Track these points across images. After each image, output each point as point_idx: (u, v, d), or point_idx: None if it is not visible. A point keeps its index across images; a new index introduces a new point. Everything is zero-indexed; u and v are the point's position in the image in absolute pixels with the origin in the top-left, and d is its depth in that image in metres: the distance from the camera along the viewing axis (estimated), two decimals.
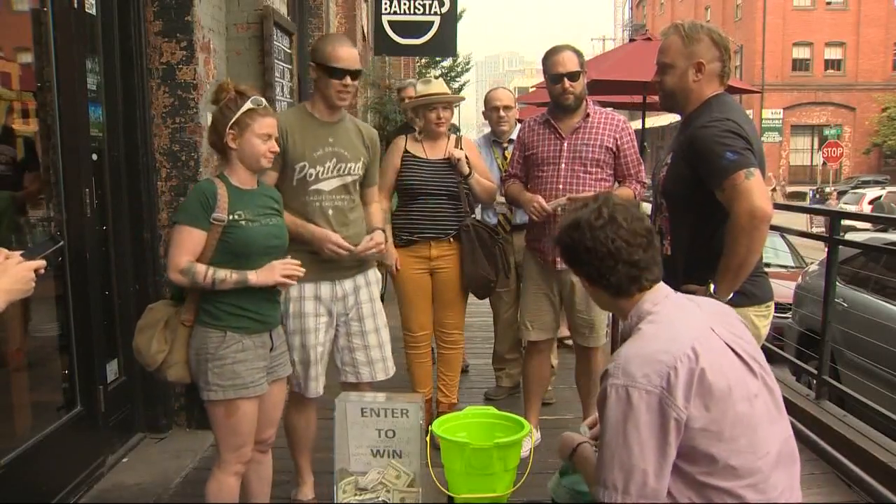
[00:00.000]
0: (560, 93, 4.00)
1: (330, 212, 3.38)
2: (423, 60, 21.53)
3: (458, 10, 10.59)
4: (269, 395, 2.93)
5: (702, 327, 2.02)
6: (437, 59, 22.60)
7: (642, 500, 1.89)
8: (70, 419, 3.71)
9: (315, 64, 3.34)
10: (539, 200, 3.96)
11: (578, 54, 4.05)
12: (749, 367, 2.01)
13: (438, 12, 9.70)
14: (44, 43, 3.52)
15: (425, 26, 9.72)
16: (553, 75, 4.01)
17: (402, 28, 9.68)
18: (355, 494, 3.09)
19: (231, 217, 2.76)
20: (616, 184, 4.14)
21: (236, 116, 2.79)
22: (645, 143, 11.68)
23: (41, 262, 2.09)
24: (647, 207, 11.86)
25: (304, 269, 2.89)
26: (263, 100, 2.86)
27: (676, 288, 2.78)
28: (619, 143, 4.05)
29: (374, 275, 3.67)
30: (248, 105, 2.79)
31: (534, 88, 13.64)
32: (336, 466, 3.10)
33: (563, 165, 4.02)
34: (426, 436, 3.17)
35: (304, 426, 3.54)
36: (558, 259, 3.82)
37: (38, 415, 3.98)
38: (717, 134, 2.76)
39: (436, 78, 5.40)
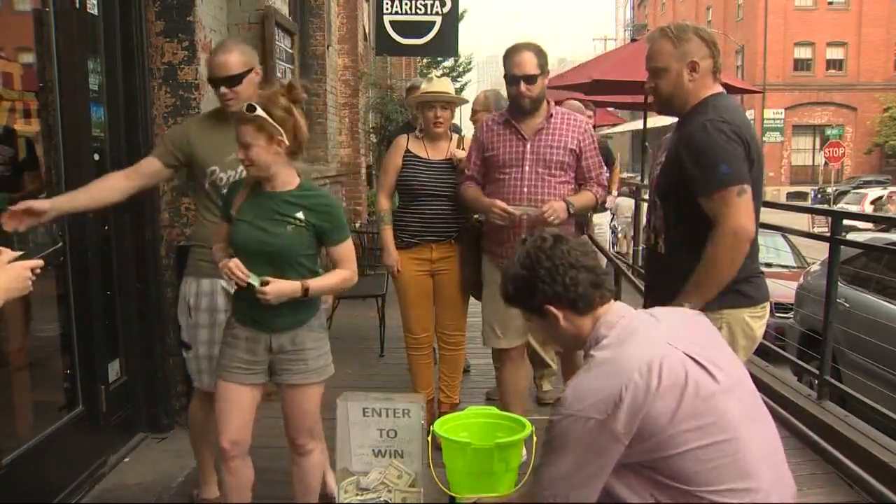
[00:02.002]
0: (516, 95, 3.87)
1: None
2: (425, 61, 21.54)
3: (460, 10, 10.59)
4: (282, 393, 2.97)
5: (656, 345, 2.00)
6: (439, 59, 22.61)
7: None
8: (71, 419, 3.72)
9: None
10: (500, 205, 3.80)
11: (539, 55, 3.88)
12: (709, 373, 1.98)
13: (440, 12, 9.73)
14: (45, 43, 3.52)
15: (426, 26, 9.75)
16: (510, 76, 3.87)
17: (403, 28, 9.70)
18: (357, 494, 3.09)
19: (239, 215, 2.86)
20: (577, 187, 4.00)
21: None
22: (646, 144, 11.70)
23: (38, 262, 2.11)
24: (629, 204, 11.71)
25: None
26: (244, 105, 2.76)
27: (671, 286, 2.79)
28: (581, 145, 3.93)
29: None
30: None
31: None
32: (337, 466, 3.10)
33: (526, 168, 3.88)
34: (428, 436, 3.17)
35: (203, 420, 3.44)
36: None
37: (39, 415, 3.98)
38: (715, 140, 2.73)
39: (438, 77, 5.38)
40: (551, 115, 3.93)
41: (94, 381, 3.88)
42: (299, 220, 2.81)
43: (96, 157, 3.95)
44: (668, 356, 1.95)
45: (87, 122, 3.83)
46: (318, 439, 3.11)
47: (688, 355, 1.97)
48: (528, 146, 3.89)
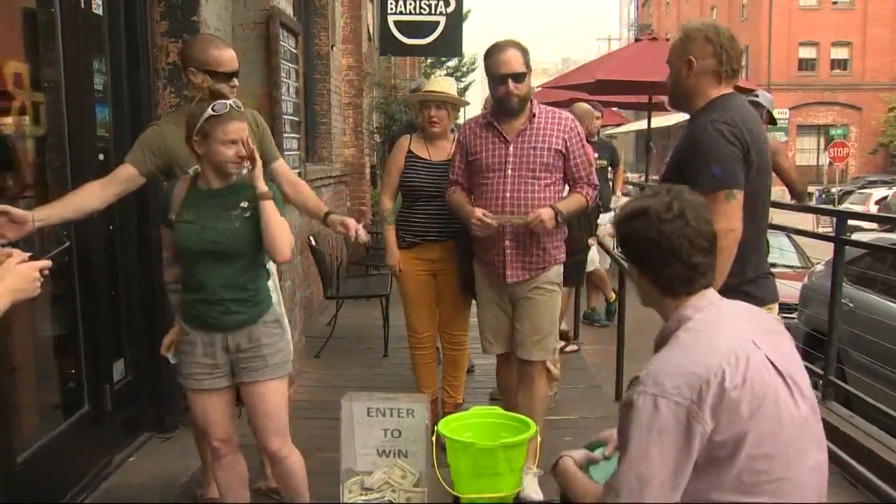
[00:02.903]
0: (503, 95, 3.67)
1: None
2: (429, 60, 21.54)
3: (464, 10, 10.59)
4: (246, 396, 2.96)
5: (743, 339, 1.94)
6: (442, 59, 22.61)
7: None
8: (77, 419, 3.72)
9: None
10: (479, 216, 3.63)
11: (524, 52, 3.71)
12: (788, 386, 1.93)
13: (444, 12, 9.72)
14: (51, 43, 3.53)
15: (431, 26, 9.74)
16: (496, 76, 3.68)
17: (407, 28, 9.70)
18: (361, 494, 3.09)
19: (179, 217, 2.85)
20: (566, 188, 3.87)
21: (199, 123, 2.72)
22: (650, 143, 11.69)
23: (47, 263, 2.11)
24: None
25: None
26: (230, 103, 2.75)
27: None
28: (568, 144, 3.73)
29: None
30: (208, 112, 2.71)
31: (539, 88, 13.65)
32: (342, 466, 3.10)
33: (509, 172, 3.70)
34: (432, 436, 3.17)
35: None
36: (509, 273, 3.74)
37: (45, 414, 3.99)
38: (712, 140, 2.79)
39: (442, 77, 5.38)
40: (534, 115, 3.74)
41: (100, 381, 3.89)
42: (239, 211, 2.83)
43: (101, 156, 3.96)
44: (754, 355, 1.90)
45: (92, 121, 3.83)
46: (290, 445, 3.04)
47: (769, 360, 1.93)
48: (511, 148, 3.71)
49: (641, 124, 21.30)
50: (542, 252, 3.75)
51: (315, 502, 3.57)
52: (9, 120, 3.37)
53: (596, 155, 7.21)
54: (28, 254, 2.08)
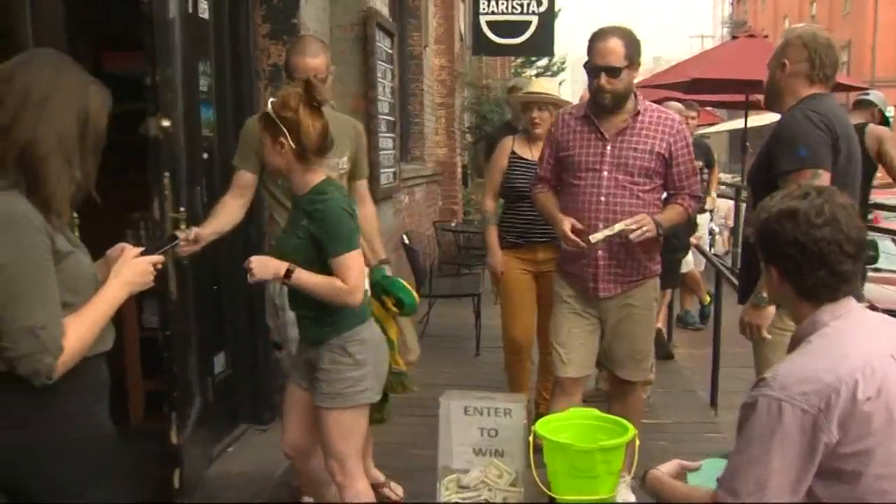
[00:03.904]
0: (595, 88, 3.33)
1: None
2: (519, 60, 21.43)
3: (556, 8, 10.51)
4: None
5: (880, 352, 1.85)
6: (532, 58, 22.47)
7: None
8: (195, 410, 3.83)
9: None
10: (572, 239, 3.28)
11: (628, 43, 3.31)
12: None
13: (536, 11, 9.67)
14: (170, 47, 3.65)
15: (523, 26, 9.71)
16: (590, 67, 3.34)
17: (499, 28, 9.69)
18: (457, 492, 3.10)
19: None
20: (664, 196, 3.54)
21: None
22: (747, 143, 11.36)
23: (160, 258, 2.19)
24: (728, 205, 11.18)
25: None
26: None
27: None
28: (672, 148, 3.39)
29: None
30: None
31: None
32: (439, 463, 3.11)
33: (604, 174, 3.35)
34: (529, 436, 3.15)
35: None
36: (602, 287, 3.42)
37: (150, 404, 4.15)
38: (800, 123, 2.86)
39: (536, 77, 5.36)
40: (638, 113, 3.40)
41: (203, 373, 4.00)
42: (303, 228, 2.67)
43: (205, 155, 4.07)
44: (891, 369, 1.82)
45: (198, 121, 3.95)
46: (351, 477, 2.81)
47: None
48: (609, 148, 3.37)
49: (734, 124, 20.68)
50: (636, 264, 3.45)
51: (413, 501, 3.61)
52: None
53: None
54: (140, 248, 2.17)
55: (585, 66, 3.39)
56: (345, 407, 2.72)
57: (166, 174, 3.30)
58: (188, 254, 3.05)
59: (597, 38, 3.33)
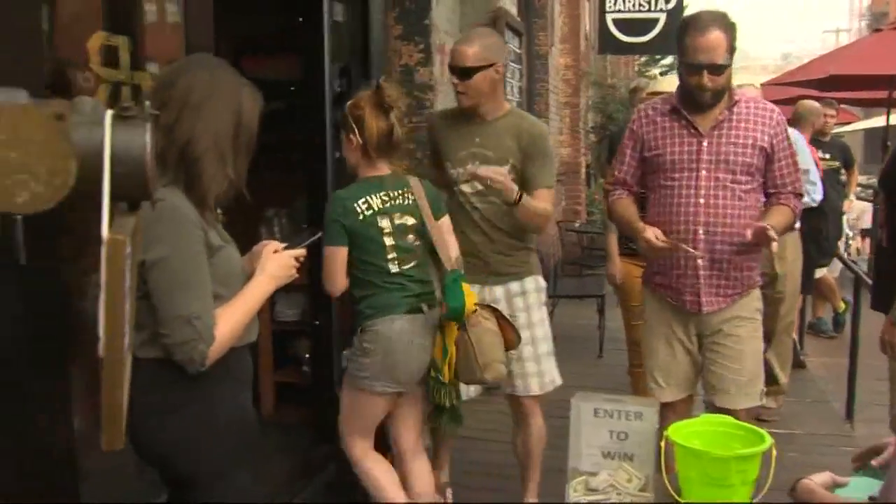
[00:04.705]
0: (695, 85, 2.98)
1: (475, 215, 3.26)
2: (643, 59, 21.05)
3: (684, 4, 10.27)
4: None
5: None
6: (657, 56, 22.03)
7: None
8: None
9: None
10: (653, 240, 2.97)
11: (729, 33, 2.96)
12: None
13: (664, 9, 9.44)
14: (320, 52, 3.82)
15: (650, 24, 9.50)
16: (690, 64, 2.97)
17: (626, 26, 9.51)
18: (585, 494, 3.07)
19: None
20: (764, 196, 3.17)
21: None
22: (888, 143, 10.77)
23: (302, 251, 2.28)
24: (863, 207, 10.70)
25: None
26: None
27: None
28: (774, 142, 3.05)
29: (535, 283, 3.42)
30: None
31: (760, 86, 12.94)
32: (569, 465, 3.10)
33: (703, 173, 3.02)
34: (660, 441, 3.09)
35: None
36: (705, 300, 3.10)
37: (282, 396, 4.30)
38: None
39: (662, 75, 5.25)
40: (735, 104, 3.06)
41: (330, 368, 4.10)
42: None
43: (336, 154, 4.18)
44: None
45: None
46: (350, 453, 3.12)
47: None
48: (705, 144, 3.04)
49: (871, 122, 19.57)
50: (739, 274, 3.11)
51: (536, 502, 3.60)
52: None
53: (827, 155, 6.75)
54: (283, 244, 2.26)
55: (681, 61, 3.06)
56: (346, 386, 3.05)
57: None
58: None
59: (696, 29, 2.94)
